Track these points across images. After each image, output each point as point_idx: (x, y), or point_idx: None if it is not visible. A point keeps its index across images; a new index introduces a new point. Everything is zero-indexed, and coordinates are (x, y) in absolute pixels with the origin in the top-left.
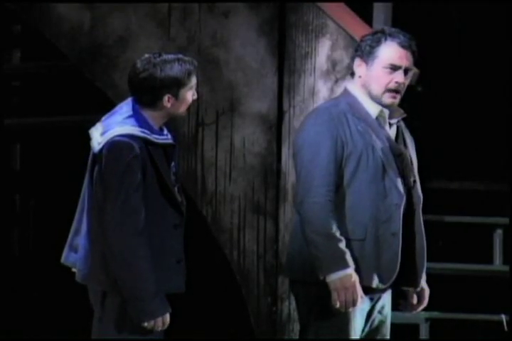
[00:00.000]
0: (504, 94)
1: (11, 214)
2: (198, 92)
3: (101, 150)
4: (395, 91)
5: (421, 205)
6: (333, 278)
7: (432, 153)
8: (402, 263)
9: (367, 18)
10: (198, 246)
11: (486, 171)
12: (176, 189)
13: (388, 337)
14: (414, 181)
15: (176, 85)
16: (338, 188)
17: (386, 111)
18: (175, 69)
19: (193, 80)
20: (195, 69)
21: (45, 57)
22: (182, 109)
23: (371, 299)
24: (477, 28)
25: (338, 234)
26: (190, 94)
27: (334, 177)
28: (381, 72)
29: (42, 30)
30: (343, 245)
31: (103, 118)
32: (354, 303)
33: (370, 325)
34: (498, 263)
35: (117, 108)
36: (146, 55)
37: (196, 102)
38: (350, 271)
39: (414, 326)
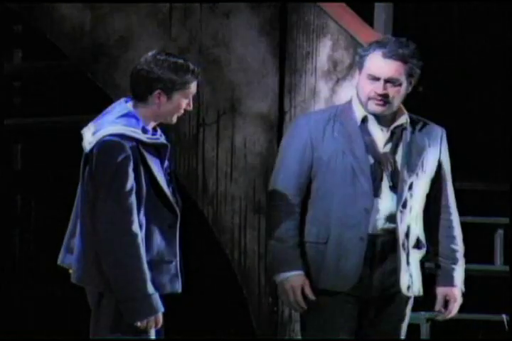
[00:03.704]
0: (505, 95)
1: (12, 215)
2: (198, 94)
3: (91, 150)
4: (379, 99)
5: (416, 210)
6: (278, 280)
7: None
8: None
9: (368, 18)
10: (199, 246)
11: (487, 171)
12: (170, 189)
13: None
14: (411, 187)
15: (170, 83)
16: (310, 191)
17: (372, 117)
18: (175, 70)
19: (191, 89)
20: (196, 80)
21: (46, 57)
22: (172, 114)
23: (359, 302)
24: (478, 28)
25: (289, 237)
26: (184, 101)
27: (299, 180)
28: (364, 82)
29: (43, 30)
30: (291, 248)
31: (96, 118)
32: (298, 304)
33: (372, 327)
34: (499, 264)
35: (110, 108)
36: (155, 51)
37: (197, 102)
38: (291, 274)
39: (415, 326)
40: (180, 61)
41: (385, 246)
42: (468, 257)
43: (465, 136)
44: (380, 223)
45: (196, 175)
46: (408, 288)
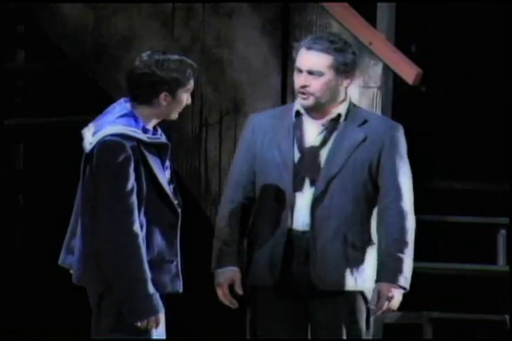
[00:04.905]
0: (505, 95)
1: (14, 215)
2: (201, 94)
3: (92, 150)
4: (302, 92)
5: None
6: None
7: (434, 154)
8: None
9: (370, 18)
10: (201, 246)
11: (487, 171)
12: (171, 188)
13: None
14: (331, 181)
15: (175, 83)
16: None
17: (305, 111)
18: (176, 69)
19: (192, 83)
20: (195, 74)
21: (48, 57)
22: (175, 111)
23: (299, 301)
24: (479, 28)
25: (226, 234)
26: (185, 97)
27: (239, 178)
28: (294, 75)
29: (46, 31)
30: (226, 245)
31: (96, 118)
32: (226, 300)
33: (320, 327)
34: (501, 264)
35: (110, 108)
36: (149, 52)
37: (200, 102)
38: (221, 270)
39: (416, 326)
40: (178, 58)
41: (309, 242)
42: (471, 257)
43: (465, 135)
44: (302, 218)
45: (199, 175)
46: (332, 282)
